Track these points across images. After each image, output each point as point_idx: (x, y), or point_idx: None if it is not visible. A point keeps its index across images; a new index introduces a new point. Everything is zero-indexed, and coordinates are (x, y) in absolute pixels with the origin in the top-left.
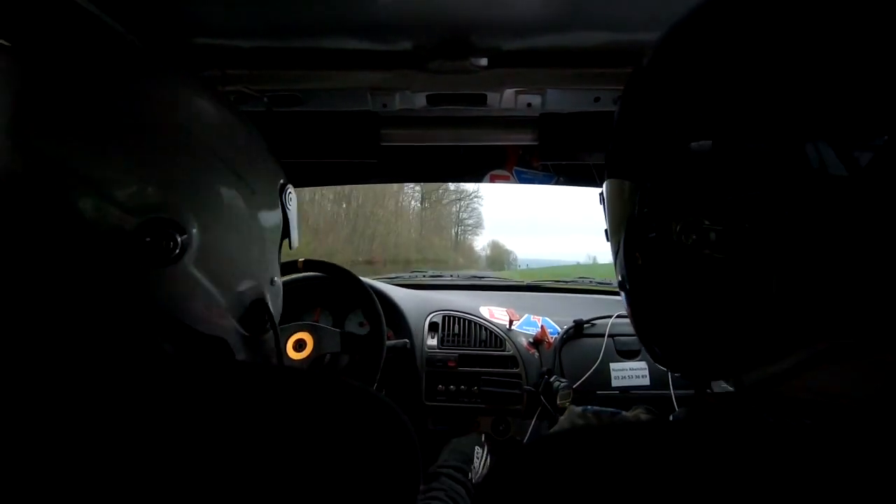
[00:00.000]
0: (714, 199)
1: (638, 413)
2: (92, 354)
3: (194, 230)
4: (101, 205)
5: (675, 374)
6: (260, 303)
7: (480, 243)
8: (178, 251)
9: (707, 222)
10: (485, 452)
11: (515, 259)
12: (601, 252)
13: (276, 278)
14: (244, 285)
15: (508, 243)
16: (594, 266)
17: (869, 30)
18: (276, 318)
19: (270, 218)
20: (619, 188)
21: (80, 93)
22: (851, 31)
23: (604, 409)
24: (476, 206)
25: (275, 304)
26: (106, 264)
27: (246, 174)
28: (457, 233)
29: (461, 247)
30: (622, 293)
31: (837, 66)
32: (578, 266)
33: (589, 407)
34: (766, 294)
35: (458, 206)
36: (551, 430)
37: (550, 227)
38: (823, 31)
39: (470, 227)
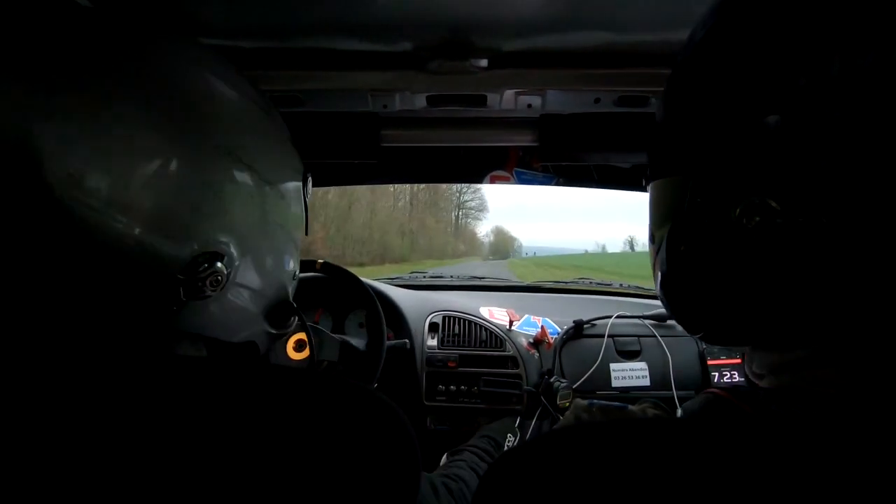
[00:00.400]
0: (784, 174)
1: (645, 407)
2: (102, 357)
3: (235, 257)
4: (133, 236)
5: (681, 372)
6: (286, 303)
7: (483, 229)
8: (222, 283)
9: (775, 204)
10: (517, 440)
11: (520, 246)
12: (610, 240)
13: (297, 272)
14: (273, 287)
15: (513, 230)
16: (603, 255)
17: None
18: None
19: (296, 218)
20: (667, 187)
21: (87, 91)
22: None
23: (610, 402)
24: (480, 187)
25: (293, 294)
26: (145, 300)
27: (277, 181)
28: (457, 216)
29: (462, 232)
30: (655, 268)
31: None
32: (587, 255)
33: (595, 401)
34: (813, 281)
35: (459, 185)
36: (556, 426)
37: (557, 213)
38: None
39: (472, 211)
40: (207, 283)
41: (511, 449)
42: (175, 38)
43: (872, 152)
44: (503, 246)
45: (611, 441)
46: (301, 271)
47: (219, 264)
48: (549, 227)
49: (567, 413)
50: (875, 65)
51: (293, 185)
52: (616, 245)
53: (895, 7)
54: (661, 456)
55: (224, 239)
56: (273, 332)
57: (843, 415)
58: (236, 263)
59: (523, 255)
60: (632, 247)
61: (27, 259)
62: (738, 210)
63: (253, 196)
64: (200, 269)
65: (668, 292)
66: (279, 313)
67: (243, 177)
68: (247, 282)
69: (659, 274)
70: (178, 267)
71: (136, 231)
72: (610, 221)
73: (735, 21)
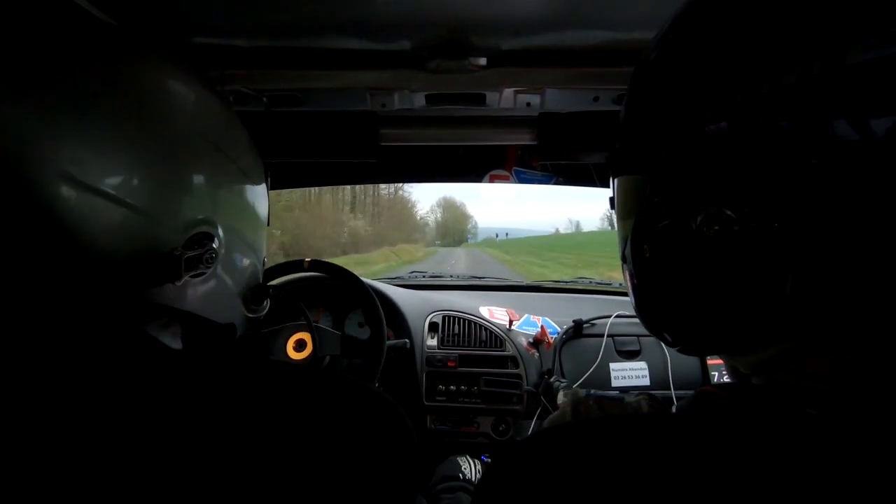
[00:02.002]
0: (734, 182)
1: (640, 399)
2: (98, 351)
3: (222, 239)
4: (134, 222)
5: (680, 371)
6: (260, 286)
7: (426, 202)
8: (215, 262)
9: (730, 213)
10: (471, 461)
11: (475, 227)
12: (585, 218)
13: (265, 258)
14: (249, 270)
15: (468, 207)
16: (576, 235)
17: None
18: None
19: (265, 204)
20: (629, 184)
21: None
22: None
23: (607, 394)
24: None
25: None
26: (140, 279)
27: (249, 170)
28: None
29: (385, 207)
30: (627, 280)
31: (858, 37)
32: (559, 235)
33: (592, 391)
34: (776, 283)
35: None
36: (550, 417)
37: (516, 193)
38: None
39: None
40: (204, 259)
41: (508, 449)
42: (149, 39)
43: (812, 157)
44: (455, 226)
45: (607, 438)
46: (289, 272)
47: (211, 243)
48: (510, 208)
49: (564, 402)
50: (805, 79)
51: (261, 177)
52: (591, 222)
53: (828, 24)
54: (656, 452)
55: (214, 221)
56: (249, 315)
57: (834, 407)
58: (223, 247)
59: (474, 239)
60: (612, 224)
61: (27, 253)
62: (698, 220)
63: (234, 184)
64: (196, 246)
65: (642, 302)
66: (255, 295)
67: (227, 168)
68: (230, 264)
69: (629, 282)
70: (178, 245)
71: (136, 216)
72: (577, 200)
73: (684, 34)
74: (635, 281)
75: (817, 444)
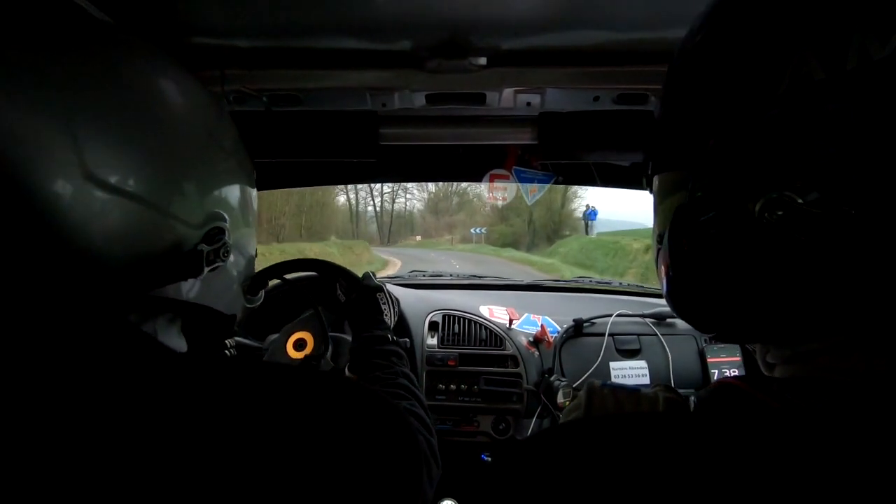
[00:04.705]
0: (800, 166)
1: (657, 391)
2: (101, 355)
3: (231, 231)
4: (153, 216)
5: (681, 370)
6: (256, 278)
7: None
8: (228, 254)
9: (800, 200)
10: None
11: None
12: None
13: (256, 251)
14: (246, 261)
15: None
16: None
17: None
18: None
19: (255, 197)
20: (668, 181)
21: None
22: None
23: (624, 385)
24: None
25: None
26: (165, 276)
27: (242, 164)
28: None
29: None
30: (661, 270)
31: None
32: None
33: (608, 382)
34: (833, 273)
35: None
36: (566, 409)
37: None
38: None
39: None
40: (220, 253)
41: (521, 442)
42: (142, 39)
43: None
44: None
45: (621, 436)
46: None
47: (223, 237)
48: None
49: (580, 393)
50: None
51: (252, 171)
52: None
53: None
54: (677, 450)
55: (224, 215)
56: (247, 305)
57: (863, 404)
58: (231, 239)
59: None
60: None
61: (51, 257)
62: (757, 205)
63: (232, 178)
64: (213, 241)
65: (675, 292)
66: (252, 286)
67: (227, 162)
68: (234, 256)
69: (664, 274)
70: (197, 240)
71: (160, 216)
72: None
73: (731, 16)
74: (671, 273)
75: (848, 439)
